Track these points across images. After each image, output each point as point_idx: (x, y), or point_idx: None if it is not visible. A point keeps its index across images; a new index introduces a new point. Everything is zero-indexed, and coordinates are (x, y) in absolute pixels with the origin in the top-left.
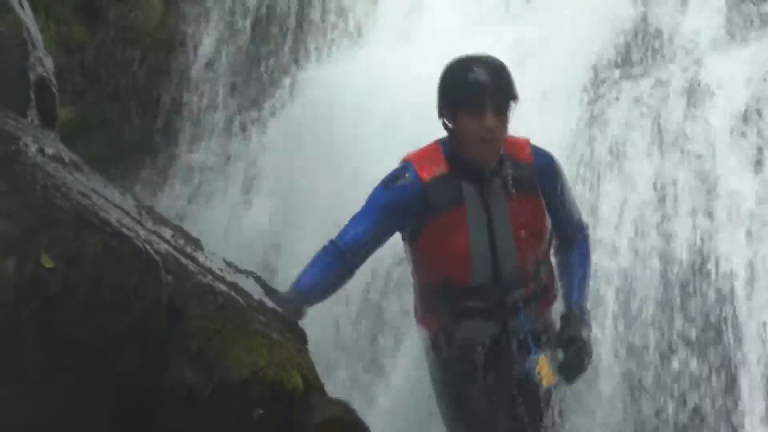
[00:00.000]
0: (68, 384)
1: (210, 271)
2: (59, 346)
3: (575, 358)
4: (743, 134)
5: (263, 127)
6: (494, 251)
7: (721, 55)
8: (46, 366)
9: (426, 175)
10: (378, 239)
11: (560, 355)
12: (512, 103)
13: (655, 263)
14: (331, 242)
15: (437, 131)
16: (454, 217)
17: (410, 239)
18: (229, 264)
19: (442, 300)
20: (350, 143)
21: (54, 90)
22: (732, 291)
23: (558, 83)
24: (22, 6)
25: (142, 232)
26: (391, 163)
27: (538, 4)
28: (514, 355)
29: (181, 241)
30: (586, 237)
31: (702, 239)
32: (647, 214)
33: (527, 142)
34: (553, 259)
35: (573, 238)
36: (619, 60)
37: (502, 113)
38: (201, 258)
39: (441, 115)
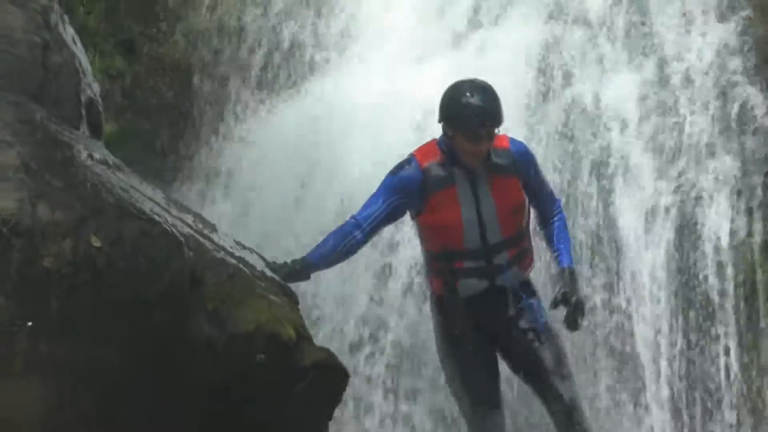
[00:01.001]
0: (115, 336)
1: (222, 248)
2: (107, 307)
3: (576, 311)
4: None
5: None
6: (481, 222)
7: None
8: (98, 322)
9: (424, 163)
10: (388, 214)
11: (561, 309)
12: (500, 123)
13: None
14: (352, 217)
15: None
16: (447, 195)
17: (415, 217)
18: (237, 243)
19: (443, 263)
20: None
21: (100, 108)
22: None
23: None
24: (75, 43)
25: (169, 219)
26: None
27: (475, 41)
28: (502, 304)
29: (200, 225)
30: (560, 209)
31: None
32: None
33: (505, 135)
34: (533, 231)
35: (551, 211)
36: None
37: (491, 137)
38: (215, 238)
39: (441, 121)
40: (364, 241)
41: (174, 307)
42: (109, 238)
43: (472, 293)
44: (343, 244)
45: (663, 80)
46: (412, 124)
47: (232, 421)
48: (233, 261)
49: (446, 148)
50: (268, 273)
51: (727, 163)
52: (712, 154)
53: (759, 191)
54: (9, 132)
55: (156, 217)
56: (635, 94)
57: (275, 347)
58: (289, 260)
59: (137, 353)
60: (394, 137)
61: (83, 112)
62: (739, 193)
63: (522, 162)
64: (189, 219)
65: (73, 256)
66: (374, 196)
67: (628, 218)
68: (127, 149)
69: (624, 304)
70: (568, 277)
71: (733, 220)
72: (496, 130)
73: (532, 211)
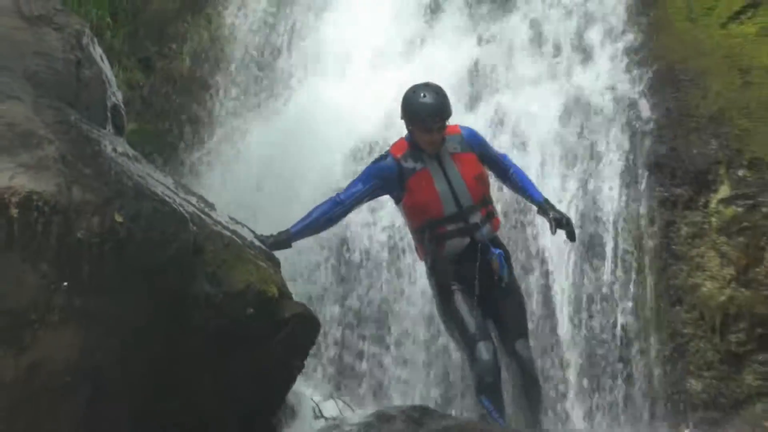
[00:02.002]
0: (134, 293)
1: (219, 223)
2: (127, 270)
3: (569, 224)
4: None
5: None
6: (453, 190)
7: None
8: (121, 282)
9: (398, 154)
10: (366, 194)
11: (556, 227)
12: (447, 116)
13: None
14: (336, 194)
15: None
16: (421, 176)
17: (398, 202)
18: (231, 218)
19: (429, 232)
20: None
21: (122, 112)
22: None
23: None
24: (102, 60)
25: (177, 200)
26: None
27: (421, 56)
28: (480, 255)
29: (202, 205)
30: (511, 162)
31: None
32: None
33: (456, 124)
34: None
35: (506, 166)
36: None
37: (442, 128)
38: (214, 215)
39: (402, 119)
40: (343, 214)
41: (180, 270)
42: (129, 214)
43: (456, 251)
44: (325, 216)
45: (569, 94)
46: (375, 123)
47: (229, 362)
48: (228, 233)
49: (411, 140)
50: (256, 243)
51: (614, 160)
52: (610, 152)
53: (644, 183)
54: (50, 131)
55: (167, 198)
56: (547, 104)
57: (261, 302)
58: (275, 232)
59: (151, 307)
60: (358, 134)
61: (109, 115)
62: (628, 184)
63: (473, 141)
64: (193, 200)
65: (100, 229)
66: (356, 181)
67: None
68: (144, 145)
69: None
70: (547, 206)
71: (624, 206)
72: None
73: (492, 174)
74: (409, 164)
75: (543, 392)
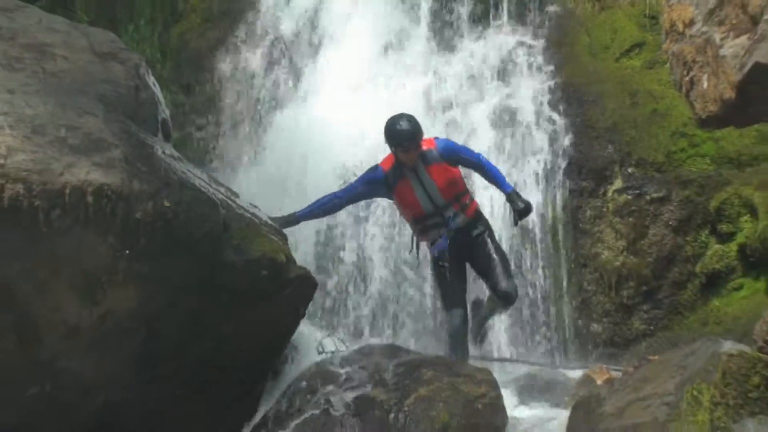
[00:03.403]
0: (177, 260)
1: (242, 207)
2: (172, 242)
3: (527, 212)
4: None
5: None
6: (428, 194)
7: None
8: (167, 251)
9: (386, 168)
10: (360, 194)
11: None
12: (420, 139)
13: None
14: (337, 191)
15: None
16: (404, 185)
17: (393, 200)
18: (250, 203)
19: (419, 226)
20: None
21: (169, 124)
22: None
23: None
24: (154, 85)
25: (210, 189)
26: None
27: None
28: (458, 237)
29: (228, 193)
30: (484, 159)
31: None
32: None
33: (433, 138)
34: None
35: (481, 165)
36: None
37: (416, 149)
38: (238, 201)
39: (386, 141)
40: (339, 206)
41: (212, 243)
42: (174, 201)
43: (436, 238)
44: (326, 206)
45: (504, 110)
46: (354, 138)
47: (248, 312)
48: (248, 215)
49: (396, 155)
50: (269, 222)
51: (538, 160)
52: (533, 154)
53: (560, 177)
54: (116, 138)
55: (202, 189)
56: (488, 116)
57: (273, 266)
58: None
59: (190, 270)
60: (340, 147)
61: (159, 126)
62: (547, 178)
63: (446, 153)
64: (222, 190)
65: (153, 212)
66: (353, 183)
67: (487, 191)
68: (186, 149)
69: None
70: (514, 196)
71: (544, 195)
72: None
73: (471, 170)
74: (394, 175)
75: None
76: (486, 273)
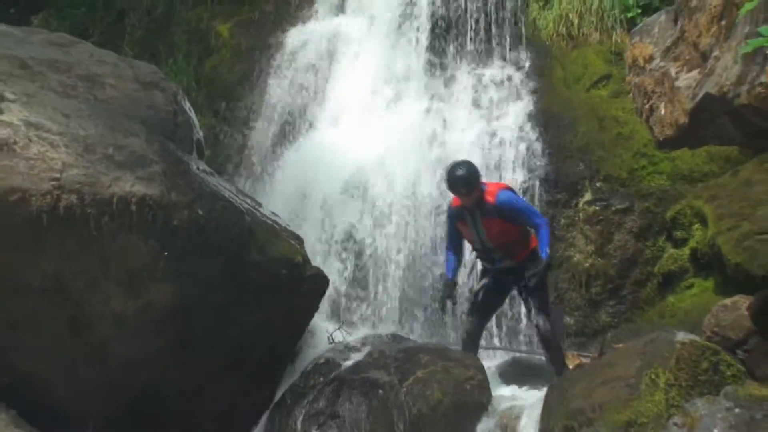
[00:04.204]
0: (210, 260)
1: (264, 215)
2: (205, 245)
3: (536, 274)
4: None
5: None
6: (479, 238)
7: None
8: (200, 252)
9: (453, 205)
10: (452, 234)
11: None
12: (473, 187)
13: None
14: (447, 250)
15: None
16: (462, 223)
17: None
18: (272, 212)
19: (475, 253)
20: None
21: (202, 144)
22: None
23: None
24: (190, 110)
25: (237, 200)
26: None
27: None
28: (498, 274)
29: (253, 203)
30: (541, 222)
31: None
32: None
33: (497, 188)
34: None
35: (535, 224)
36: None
37: (469, 194)
38: (261, 210)
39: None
40: (457, 255)
41: (239, 245)
42: (206, 209)
43: (484, 266)
44: (456, 258)
45: (490, 133)
46: (360, 155)
47: (269, 304)
48: (270, 221)
49: None
50: (288, 227)
51: (519, 176)
52: (515, 170)
53: (537, 190)
54: (157, 156)
55: (231, 199)
56: (477, 136)
57: (291, 266)
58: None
59: (219, 269)
60: (347, 163)
61: (194, 146)
62: (526, 191)
63: (504, 209)
64: (248, 200)
65: (188, 219)
66: (446, 226)
67: None
68: (217, 165)
69: None
70: (541, 263)
71: None
72: (474, 190)
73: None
74: (458, 213)
75: (553, 347)
76: (526, 304)
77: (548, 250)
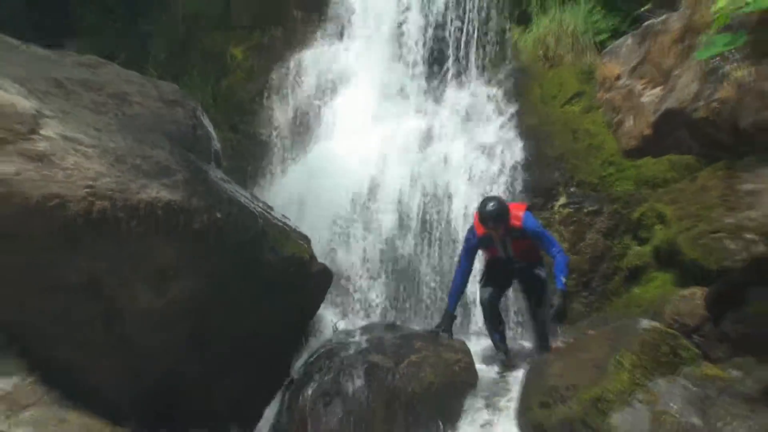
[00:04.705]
0: (226, 259)
1: (276, 218)
2: (223, 246)
3: (558, 307)
4: None
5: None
6: (506, 253)
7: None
8: (219, 252)
9: (479, 233)
10: (469, 251)
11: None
12: (505, 219)
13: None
14: (458, 272)
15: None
16: (491, 247)
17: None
18: (282, 215)
19: (490, 261)
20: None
21: (220, 155)
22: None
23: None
24: (208, 125)
25: (251, 204)
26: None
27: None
28: (513, 273)
29: (266, 207)
30: (558, 251)
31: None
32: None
33: (522, 211)
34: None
35: (552, 252)
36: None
37: (496, 228)
38: (273, 213)
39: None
40: (462, 287)
41: (253, 246)
42: (224, 213)
43: (497, 266)
44: (456, 297)
45: (476, 144)
46: (361, 166)
47: (278, 298)
48: (281, 224)
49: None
50: (297, 229)
51: (502, 182)
52: (498, 177)
53: (518, 194)
54: (179, 166)
55: (246, 204)
56: (465, 146)
57: (300, 263)
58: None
59: (235, 267)
60: (349, 173)
61: (212, 156)
62: (508, 195)
63: (529, 232)
64: (260, 204)
65: (208, 222)
66: (463, 249)
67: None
68: (232, 174)
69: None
70: (559, 294)
71: None
72: (502, 224)
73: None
74: (485, 241)
75: (544, 336)
76: (528, 297)
77: (564, 280)
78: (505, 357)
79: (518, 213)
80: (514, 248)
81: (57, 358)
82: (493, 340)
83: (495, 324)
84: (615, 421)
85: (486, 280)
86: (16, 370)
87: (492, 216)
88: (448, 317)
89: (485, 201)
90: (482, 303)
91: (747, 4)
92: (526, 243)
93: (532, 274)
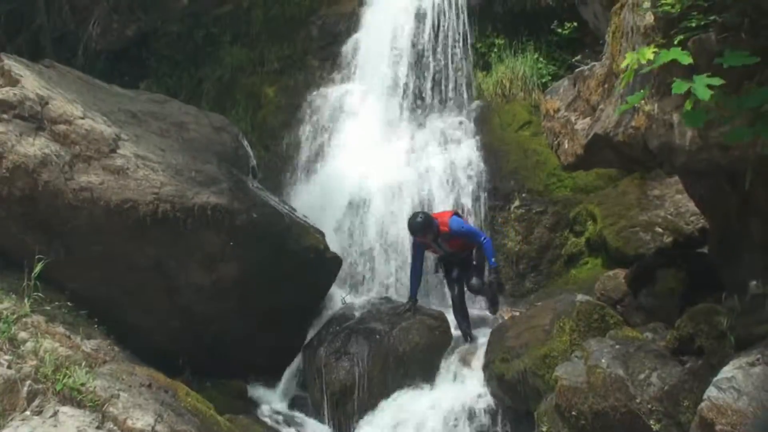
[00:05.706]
0: (260, 249)
1: (299, 217)
2: (256, 238)
3: (494, 281)
4: None
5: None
6: (444, 251)
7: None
8: (254, 243)
9: (417, 239)
10: (417, 256)
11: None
12: (429, 230)
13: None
14: (413, 266)
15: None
16: (430, 248)
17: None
18: (303, 215)
19: (438, 258)
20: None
21: (256, 169)
22: None
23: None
24: (247, 147)
25: (279, 207)
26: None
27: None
28: (454, 263)
29: (291, 209)
30: (483, 242)
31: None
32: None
33: (448, 217)
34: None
35: (477, 242)
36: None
37: (424, 237)
38: (296, 214)
39: None
40: (418, 280)
41: (281, 238)
42: (259, 213)
43: (442, 259)
44: (417, 275)
45: (448, 160)
46: (363, 179)
47: (299, 278)
48: (302, 221)
49: None
50: (314, 225)
51: (470, 190)
52: (467, 185)
53: (483, 199)
54: (224, 177)
55: (276, 206)
56: (442, 163)
57: (317, 252)
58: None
59: (268, 254)
60: (356, 185)
61: (250, 170)
62: (474, 199)
63: (455, 233)
64: (287, 207)
65: (246, 219)
66: (411, 250)
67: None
68: (265, 183)
69: None
70: (492, 270)
71: (472, 210)
72: (428, 233)
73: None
74: (423, 243)
75: (485, 292)
76: (467, 276)
77: (493, 259)
78: (470, 342)
79: (445, 219)
80: (450, 246)
81: (129, 323)
82: (461, 328)
83: (463, 315)
84: (559, 372)
85: (444, 273)
86: (98, 334)
87: (416, 228)
88: (412, 301)
89: (412, 216)
90: (452, 300)
91: (649, 61)
92: (459, 240)
93: (466, 259)
